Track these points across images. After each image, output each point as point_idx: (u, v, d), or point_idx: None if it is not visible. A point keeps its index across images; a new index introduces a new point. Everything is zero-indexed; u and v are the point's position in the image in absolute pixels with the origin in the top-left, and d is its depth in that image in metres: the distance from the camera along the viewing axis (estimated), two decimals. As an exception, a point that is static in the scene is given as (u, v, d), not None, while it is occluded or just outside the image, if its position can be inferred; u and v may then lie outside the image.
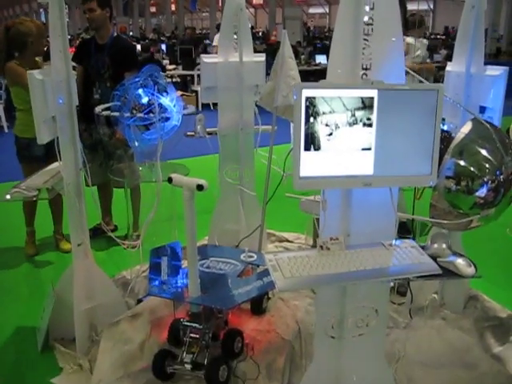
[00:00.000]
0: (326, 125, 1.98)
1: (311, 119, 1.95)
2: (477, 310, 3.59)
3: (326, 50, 14.22)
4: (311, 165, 1.99)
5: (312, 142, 1.97)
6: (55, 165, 3.21)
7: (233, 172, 4.12)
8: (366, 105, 1.95)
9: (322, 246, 2.09)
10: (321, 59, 14.60)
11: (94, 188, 4.71)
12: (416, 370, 2.87)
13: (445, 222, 2.73)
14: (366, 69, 2.07)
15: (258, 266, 3.06)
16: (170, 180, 2.54)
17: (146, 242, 4.64)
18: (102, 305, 3.25)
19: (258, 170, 4.24)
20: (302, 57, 15.09)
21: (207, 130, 4.11)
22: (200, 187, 2.44)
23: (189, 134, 4.18)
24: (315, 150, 1.98)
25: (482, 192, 2.69)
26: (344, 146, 2.00)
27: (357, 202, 2.17)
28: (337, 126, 1.99)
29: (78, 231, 3.11)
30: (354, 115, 1.99)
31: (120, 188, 4.53)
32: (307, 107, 1.94)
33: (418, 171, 2.08)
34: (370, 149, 2.01)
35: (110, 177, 4.78)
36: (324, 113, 1.97)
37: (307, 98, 1.91)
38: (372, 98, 1.94)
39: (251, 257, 3.06)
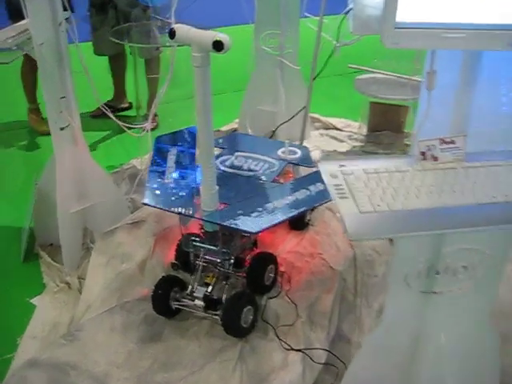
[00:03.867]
0: None
1: None
2: None
3: None
4: (414, 5, 1.00)
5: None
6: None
7: (272, 39, 3.09)
8: None
9: (423, 153, 1.12)
10: None
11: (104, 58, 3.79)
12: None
13: None
14: None
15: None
16: (171, 33, 1.54)
17: (162, 123, 3.74)
18: (97, 205, 2.40)
19: (304, 39, 3.18)
20: None
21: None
22: (218, 45, 1.45)
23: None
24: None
25: None
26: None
27: (486, 79, 1.16)
28: None
29: (58, 109, 2.18)
30: None
31: (141, 58, 3.53)
32: None
33: None
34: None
35: (123, 45, 3.77)
36: None
37: None
38: None
39: (293, 153, 2.10)
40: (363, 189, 1.04)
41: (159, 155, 2.02)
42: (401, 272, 1.38)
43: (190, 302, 1.89)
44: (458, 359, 1.50)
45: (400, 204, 1.01)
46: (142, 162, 3.06)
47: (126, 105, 3.87)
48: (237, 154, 2.09)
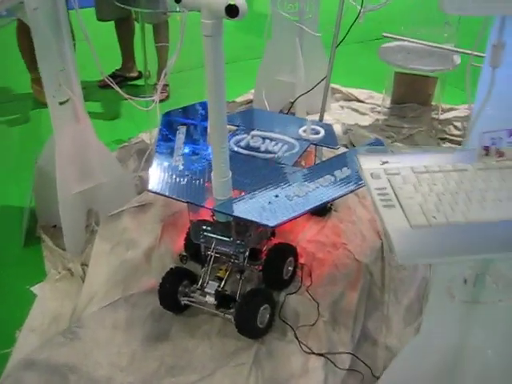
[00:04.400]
0: None
1: None
2: None
3: None
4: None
5: None
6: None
7: (290, 3, 2.82)
8: None
9: (487, 148, 0.89)
10: None
11: (110, 24, 3.54)
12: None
13: None
14: None
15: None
16: (177, -3, 1.31)
17: (174, 94, 3.50)
18: (101, 186, 2.20)
19: (325, 3, 2.92)
20: None
21: None
22: (232, 10, 1.21)
23: None
24: None
25: None
26: None
27: None
28: None
29: (56, 82, 1.96)
30: None
31: (148, 23, 3.26)
32: None
33: None
34: None
35: (129, 10, 3.51)
36: None
37: None
38: None
39: (316, 132, 1.87)
40: (413, 194, 0.82)
41: (167, 133, 1.80)
42: (444, 278, 1.17)
43: (201, 298, 1.69)
44: (506, 377, 1.30)
45: (461, 215, 0.79)
46: (151, 136, 2.84)
47: (136, 74, 3.63)
48: (253, 132, 1.85)
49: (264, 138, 1.82)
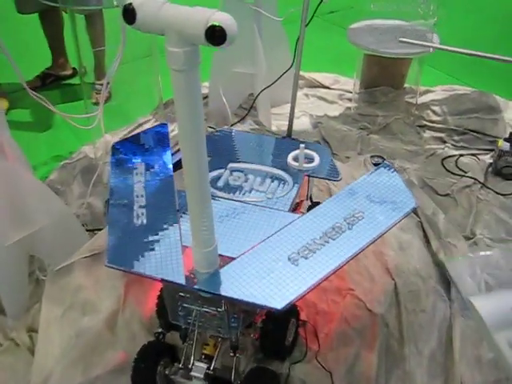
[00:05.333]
0: None
1: None
2: None
3: None
4: None
5: None
6: None
7: (243, -18, 2.40)
8: None
9: None
10: None
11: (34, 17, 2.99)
12: None
13: None
14: None
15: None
16: (129, 14, 0.88)
17: (117, 91, 3.00)
18: (43, 230, 1.75)
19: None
20: None
21: None
22: (215, 34, 0.81)
23: None
24: None
25: None
26: None
27: None
28: None
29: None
30: None
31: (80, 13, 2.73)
32: None
33: None
34: None
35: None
36: None
37: None
38: None
39: (310, 159, 1.47)
40: None
41: (120, 176, 1.38)
42: None
43: (186, 381, 1.32)
44: None
45: None
46: (95, 149, 2.39)
47: (69, 71, 3.10)
48: (231, 166, 1.45)
49: (246, 174, 1.42)
